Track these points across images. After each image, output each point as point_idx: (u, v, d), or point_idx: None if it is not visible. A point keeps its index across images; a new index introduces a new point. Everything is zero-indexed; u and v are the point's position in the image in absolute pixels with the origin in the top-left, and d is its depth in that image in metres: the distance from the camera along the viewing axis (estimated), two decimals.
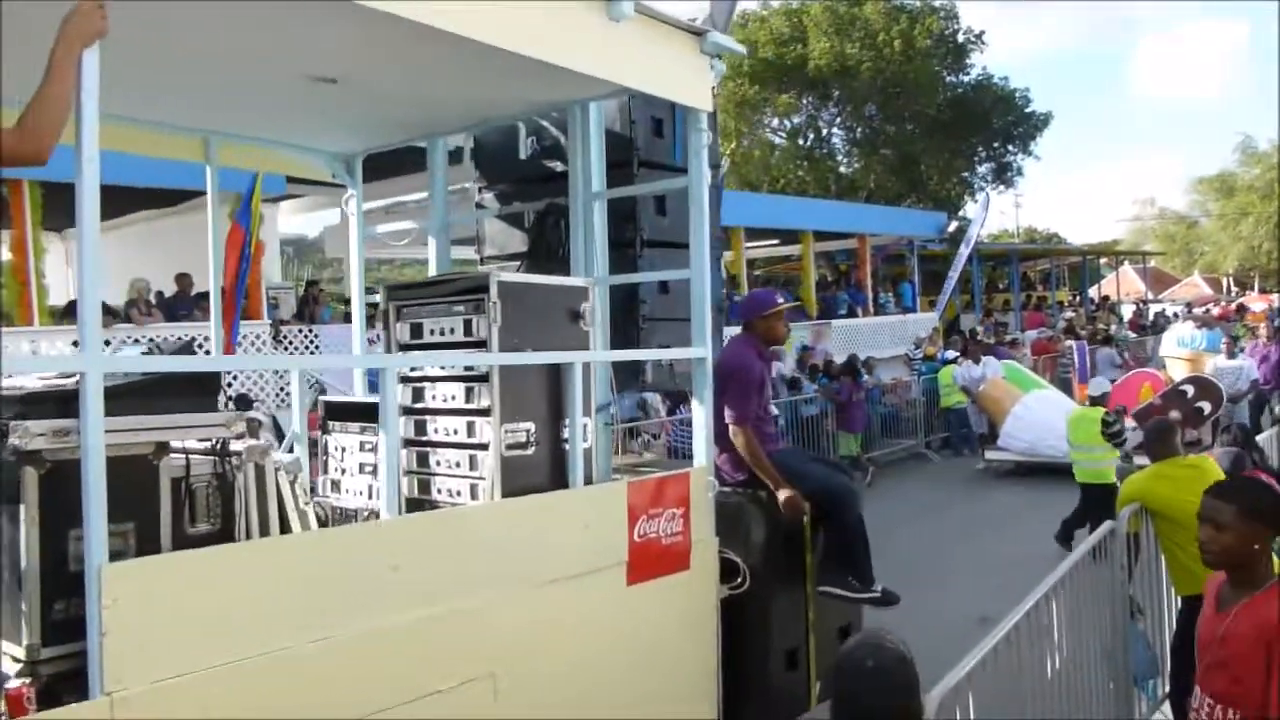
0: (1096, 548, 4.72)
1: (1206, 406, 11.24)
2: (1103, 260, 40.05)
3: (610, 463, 4.48)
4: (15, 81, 3.67)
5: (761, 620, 4.35)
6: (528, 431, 3.76)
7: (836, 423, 13.11)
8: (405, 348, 4.13)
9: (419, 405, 4.03)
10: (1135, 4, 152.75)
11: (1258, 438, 8.02)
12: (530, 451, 3.76)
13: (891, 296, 22.58)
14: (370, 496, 4.23)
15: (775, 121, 32.77)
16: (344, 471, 4.46)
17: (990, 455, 13.20)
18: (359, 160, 5.14)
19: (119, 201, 11.01)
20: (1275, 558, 2.87)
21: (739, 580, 4.20)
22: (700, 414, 4.27)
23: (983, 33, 32.00)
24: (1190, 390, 11.43)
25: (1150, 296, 41.65)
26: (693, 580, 4.02)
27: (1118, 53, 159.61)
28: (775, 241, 23.50)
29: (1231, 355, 13.12)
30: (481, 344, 3.76)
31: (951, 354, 15.10)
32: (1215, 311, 27.01)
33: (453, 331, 3.91)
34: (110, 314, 9.89)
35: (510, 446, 3.70)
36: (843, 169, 33.32)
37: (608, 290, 4.48)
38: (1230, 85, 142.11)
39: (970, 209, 31.43)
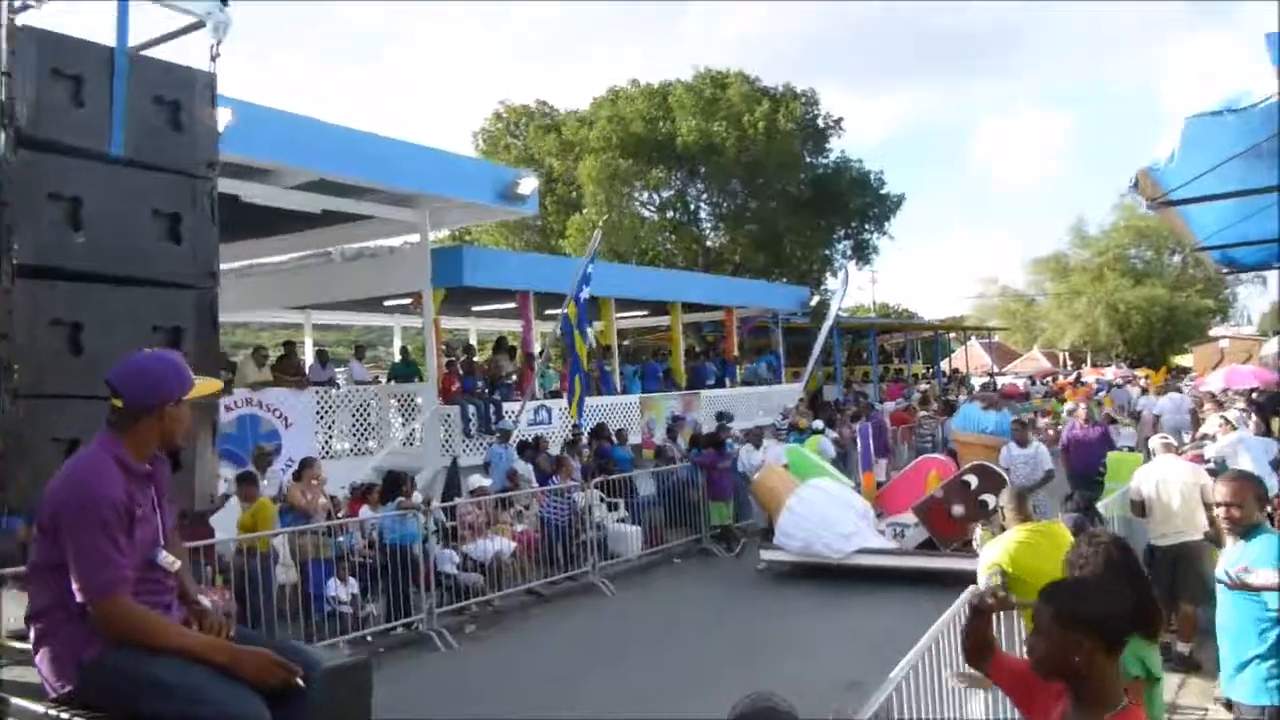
0: (958, 614, 4.85)
1: (991, 500, 9.44)
2: (952, 335, 42.15)
3: None
4: None
5: None
6: None
7: (707, 492, 13.21)
8: None
9: None
10: (973, 83, 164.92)
11: (1098, 505, 8.50)
12: None
13: (764, 365, 23.14)
14: None
15: (645, 195, 33.47)
16: None
17: (765, 555, 11.42)
18: None
19: None
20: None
21: None
22: None
23: (841, 119, 33.77)
24: (974, 481, 10.15)
25: (996, 369, 44.03)
26: None
27: (961, 132, 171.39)
28: (645, 312, 23.83)
29: (1024, 443, 11.20)
30: None
31: (819, 424, 15.46)
32: (1002, 387, 25.21)
33: None
34: None
35: None
36: (710, 242, 34.21)
37: None
38: (1060, 170, 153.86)
39: (831, 283, 32.68)
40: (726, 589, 10.98)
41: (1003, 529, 5.44)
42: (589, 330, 14.62)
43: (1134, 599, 3.15)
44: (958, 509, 10.12)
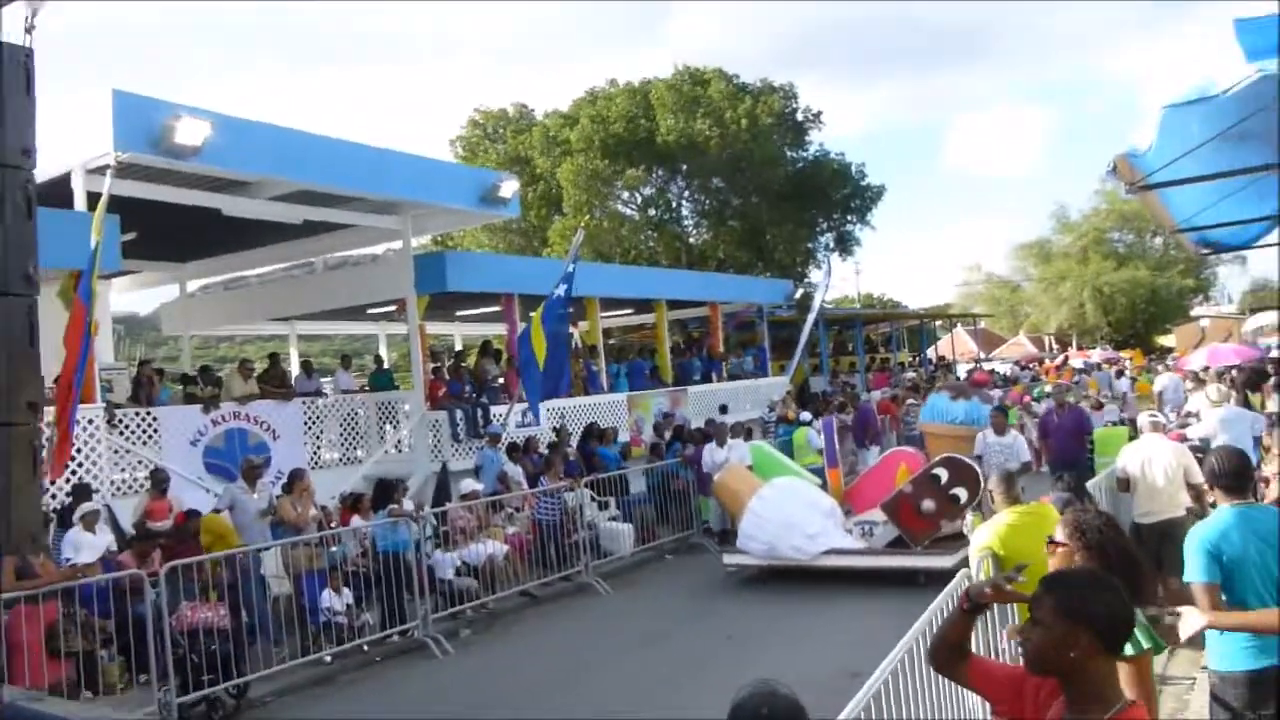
0: (943, 607, 4.89)
1: (963, 493, 9.43)
2: (937, 323, 42.32)
3: None
4: None
5: None
6: None
7: (697, 487, 13.23)
8: None
9: None
10: (952, 80, 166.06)
11: (1088, 483, 8.58)
12: None
13: (749, 359, 23.21)
14: None
15: (626, 194, 33.49)
16: None
17: (729, 559, 10.98)
18: None
19: None
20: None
21: None
22: None
23: (820, 112, 33.85)
24: (944, 474, 9.68)
25: (982, 356, 44.26)
26: None
27: (941, 124, 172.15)
28: (629, 311, 23.86)
29: (1001, 430, 10.82)
30: None
31: (807, 415, 15.51)
32: (976, 376, 24.71)
33: None
34: None
35: None
36: (692, 240, 34.25)
37: None
38: (1040, 161, 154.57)
39: (815, 276, 32.80)
40: (719, 585, 10.98)
41: (985, 514, 5.50)
42: (564, 327, 14.18)
43: (1127, 574, 3.11)
44: (927, 504, 9.72)
